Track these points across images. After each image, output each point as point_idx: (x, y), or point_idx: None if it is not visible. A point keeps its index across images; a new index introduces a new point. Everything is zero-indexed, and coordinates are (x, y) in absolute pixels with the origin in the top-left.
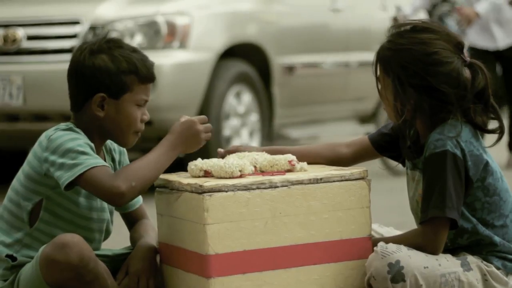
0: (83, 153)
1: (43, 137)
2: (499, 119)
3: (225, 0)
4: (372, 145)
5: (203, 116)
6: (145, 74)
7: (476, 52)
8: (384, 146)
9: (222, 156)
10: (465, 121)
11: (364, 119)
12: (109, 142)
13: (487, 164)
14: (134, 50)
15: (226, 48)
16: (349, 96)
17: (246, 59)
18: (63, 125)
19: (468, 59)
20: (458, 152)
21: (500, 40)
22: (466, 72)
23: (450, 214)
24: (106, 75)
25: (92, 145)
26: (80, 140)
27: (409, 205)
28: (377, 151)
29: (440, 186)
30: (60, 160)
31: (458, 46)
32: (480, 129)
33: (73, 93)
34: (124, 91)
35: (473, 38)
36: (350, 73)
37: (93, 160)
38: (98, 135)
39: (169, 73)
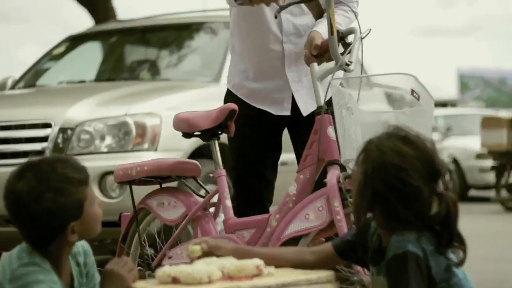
0: None
1: (6, 264)
2: (463, 249)
3: (193, 101)
4: (336, 252)
5: (117, 261)
6: (85, 176)
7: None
8: (348, 252)
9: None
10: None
11: None
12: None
13: (449, 265)
14: (58, 159)
15: (194, 148)
16: None
17: None
18: (25, 252)
19: (439, 190)
20: (419, 252)
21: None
22: (433, 200)
23: None
24: (62, 211)
25: (56, 285)
26: (43, 285)
27: None
28: (341, 257)
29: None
30: None
31: (433, 173)
32: (439, 251)
33: (32, 236)
34: (83, 204)
35: None
36: None
37: None
38: (68, 249)
39: None
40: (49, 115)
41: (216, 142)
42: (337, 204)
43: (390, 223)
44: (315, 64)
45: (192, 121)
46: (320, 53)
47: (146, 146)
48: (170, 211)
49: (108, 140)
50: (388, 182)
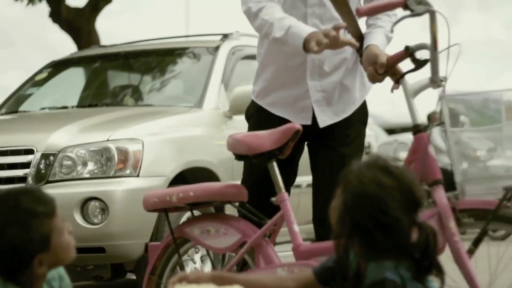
0: None
1: None
2: (441, 278)
3: (176, 126)
4: (316, 279)
5: None
6: (51, 208)
7: None
8: (329, 279)
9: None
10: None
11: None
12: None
13: None
14: (22, 192)
15: (177, 173)
16: (300, 220)
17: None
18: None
19: (419, 219)
20: (397, 278)
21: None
22: (412, 229)
23: None
24: (27, 245)
25: None
26: None
27: None
28: (322, 284)
29: None
30: None
31: (413, 204)
32: (417, 279)
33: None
34: (50, 236)
35: None
36: (300, 194)
37: None
38: (42, 277)
39: (122, 200)
40: (32, 141)
41: (275, 164)
42: (453, 225)
43: (369, 252)
44: (407, 81)
45: (253, 142)
46: (385, 70)
47: (128, 171)
48: (220, 239)
49: (90, 166)
50: (367, 213)
